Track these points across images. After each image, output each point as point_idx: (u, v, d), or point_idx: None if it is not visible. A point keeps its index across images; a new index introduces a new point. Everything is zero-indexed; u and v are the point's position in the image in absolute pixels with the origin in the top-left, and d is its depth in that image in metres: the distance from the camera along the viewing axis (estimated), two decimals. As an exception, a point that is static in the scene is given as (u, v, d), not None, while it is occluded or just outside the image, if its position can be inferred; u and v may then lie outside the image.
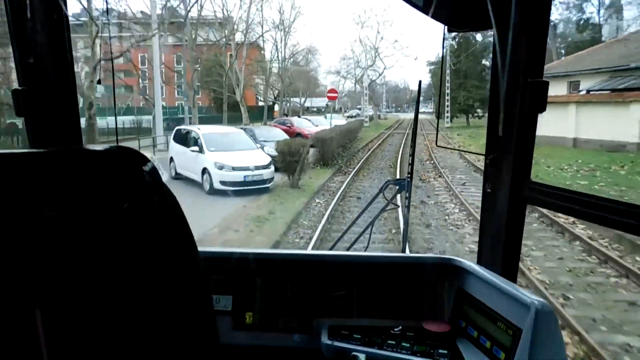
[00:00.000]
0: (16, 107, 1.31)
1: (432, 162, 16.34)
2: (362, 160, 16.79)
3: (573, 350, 4.09)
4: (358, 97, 49.64)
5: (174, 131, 13.47)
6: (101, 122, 19.26)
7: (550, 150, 15.76)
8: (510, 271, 1.41)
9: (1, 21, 1.34)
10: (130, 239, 0.43)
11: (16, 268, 0.39)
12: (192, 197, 10.38)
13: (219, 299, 1.50)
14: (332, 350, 1.38)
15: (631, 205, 1.00)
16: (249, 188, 10.80)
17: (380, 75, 45.48)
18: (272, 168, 11.40)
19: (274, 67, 36.05)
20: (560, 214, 8.04)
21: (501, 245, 1.41)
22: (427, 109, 47.14)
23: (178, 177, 12.45)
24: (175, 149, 12.73)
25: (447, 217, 8.99)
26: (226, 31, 29.38)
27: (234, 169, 10.85)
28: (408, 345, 1.34)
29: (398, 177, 11.35)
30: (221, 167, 10.87)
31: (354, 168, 14.79)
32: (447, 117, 35.79)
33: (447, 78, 33.25)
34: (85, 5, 18.29)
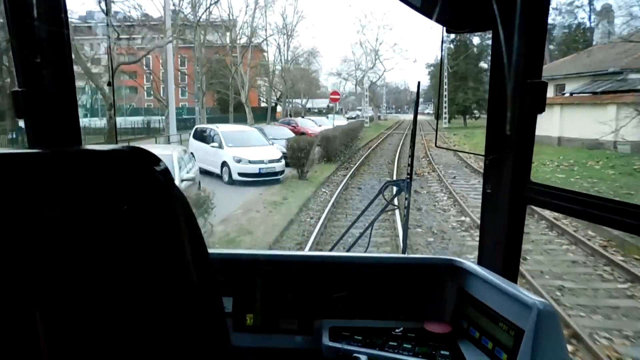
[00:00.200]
0: (16, 109, 1.30)
1: (427, 159, 17.73)
2: (362, 157, 18.22)
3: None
4: (359, 98, 50.62)
5: (194, 130, 15.06)
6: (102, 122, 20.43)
7: (537, 148, 16.78)
8: (511, 272, 1.40)
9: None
10: (140, 239, 0.43)
11: (17, 270, 0.38)
12: (213, 187, 11.78)
13: None
14: (333, 351, 1.37)
15: (631, 205, 1.00)
16: (263, 179, 12.28)
17: (380, 77, 46.69)
18: (283, 162, 12.91)
19: (277, 70, 37.11)
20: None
21: (502, 245, 1.40)
22: (428, 110, 48.26)
23: (198, 170, 13.93)
24: (195, 145, 14.16)
25: (436, 203, 10.38)
26: (232, 34, 30.49)
27: (250, 162, 12.38)
28: (409, 346, 1.33)
29: (396, 172, 12.77)
30: (239, 161, 12.40)
31: (355, 164, 16.22)
32: (445, 118, 37.05)
33: (445, 80, 34.57)
34: (104, 10, 19.64)
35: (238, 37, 30.44)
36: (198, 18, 25.83)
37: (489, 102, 1.41)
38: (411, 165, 1.88)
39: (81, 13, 22.23)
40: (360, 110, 48.56)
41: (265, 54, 36.72)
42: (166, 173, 0.47)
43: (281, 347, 1.44)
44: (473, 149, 19.16)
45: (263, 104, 40.02)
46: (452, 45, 35.69)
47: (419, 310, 1.46)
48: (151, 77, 31.61)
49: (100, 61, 21.43)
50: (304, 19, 56.92)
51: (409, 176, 1.86)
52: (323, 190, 11.84)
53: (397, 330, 1.41)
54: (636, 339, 4.34)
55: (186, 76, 32.11)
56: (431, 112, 47.81)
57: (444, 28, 1.47)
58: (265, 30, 33.71)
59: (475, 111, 37.17)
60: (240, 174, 12.29)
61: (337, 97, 27.43)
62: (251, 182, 12.19)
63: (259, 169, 12.37)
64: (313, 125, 25.39)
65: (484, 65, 36.18)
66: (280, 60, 37.02)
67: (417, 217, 8.94)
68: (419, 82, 2.26)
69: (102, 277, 0.41)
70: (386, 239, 7.39)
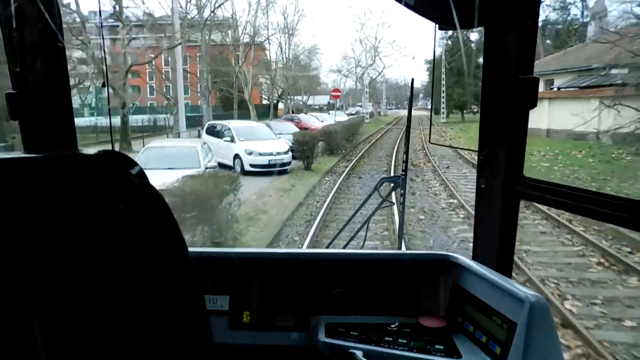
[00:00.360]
0: (10, 111, 1.30)
1: (424, 151, 18.90)
2: (363, 151, 19.42)
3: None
4: (359, 94, 51.47)
5: (206, 126, 16.50)
6: (115, 120, 21.45)
7: (527, 140, 17.97)
8: (505, 266, 1.41)
9: None
10: (122, 240, 0.45)
11: (13, 272, 0.39)
12: (227, 178, 13.02)
13: (215, 299, 1.49)
14: (329, 347, 1.37)
15: (625, 199, 1.00)
16: (272, 170, 13.53)
17: (380, 73, 47.67)
18: (290, 154, 14.20)
19: (279, 67, 37.99)
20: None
21: (496, 240, 1.42)
22: (429, 105, 48.87)
23: (210, 163, 15.17)
24: (209, 140, 15.35)
25: (429, 189, 11.55)
26: (235, 33, 31.31)
27: (260, 154, 13.69)
28: (405, 341, 1.33)
29: (394, 163, 14.11)
30: (250, 153, 13.71)
31: (356, 156, 17.42)
32: (444, 113, 38.05)
33: (443, 76, 35.57)
34: (117, 12, 20.70)
35: (241, 37, 31.41)
36: (205, 20, 26.80)
37: (481, 98, 1.43)
38: (406, 162, 1.92)
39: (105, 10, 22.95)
40: (360, 106, 49.36)
41: (267, 52, 37.75)
42: (141, 175, 0.49)
43: (278, 344, 1.46)
44: (468, 142, 20.27)
45: (265, 102, 41.05)
46: (449, 42, 36.67)
47: (414, 306, 1.47)
48: (154, 75, 32.59)
49: (114, 59, 22.39)
50: (304, 18, 57.82)
51: (404, 172, 1.89)
52: (327, 179, 13.05)
53: (392, 326, 1.41)
54: (577, 283, 5.53)
55: (189, 74, 32.99)
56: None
57: (436, 25, 1.48)
58: (267, 29, 34.75)
59: (473, 106, 38.06)
60: (251, 165, 13.61)
61: (339, 94, 28.58)
62: (261, 172, 13.45)
63: (269, 160, 13.68)
64: (315, 121, 26.58)
65: (481, 60, 36.80)
66: (282, 58, 38.08)
67: (410, 200, 10.10)
68: (412, 80, 2.28)
69: (89, 278, 0.43)
70: (384, 233, 8.00)
